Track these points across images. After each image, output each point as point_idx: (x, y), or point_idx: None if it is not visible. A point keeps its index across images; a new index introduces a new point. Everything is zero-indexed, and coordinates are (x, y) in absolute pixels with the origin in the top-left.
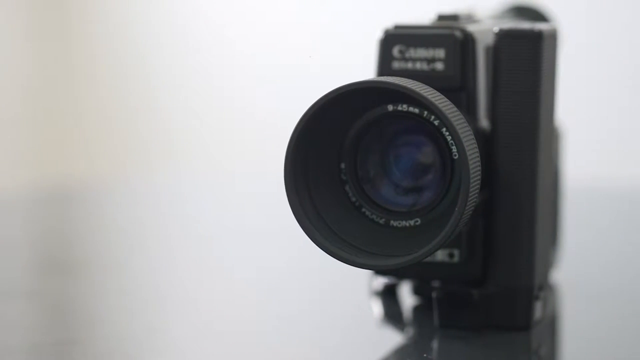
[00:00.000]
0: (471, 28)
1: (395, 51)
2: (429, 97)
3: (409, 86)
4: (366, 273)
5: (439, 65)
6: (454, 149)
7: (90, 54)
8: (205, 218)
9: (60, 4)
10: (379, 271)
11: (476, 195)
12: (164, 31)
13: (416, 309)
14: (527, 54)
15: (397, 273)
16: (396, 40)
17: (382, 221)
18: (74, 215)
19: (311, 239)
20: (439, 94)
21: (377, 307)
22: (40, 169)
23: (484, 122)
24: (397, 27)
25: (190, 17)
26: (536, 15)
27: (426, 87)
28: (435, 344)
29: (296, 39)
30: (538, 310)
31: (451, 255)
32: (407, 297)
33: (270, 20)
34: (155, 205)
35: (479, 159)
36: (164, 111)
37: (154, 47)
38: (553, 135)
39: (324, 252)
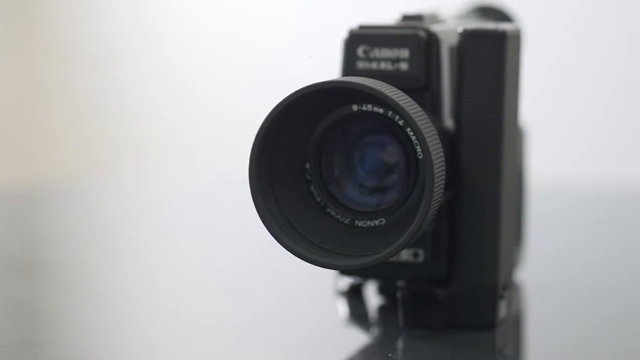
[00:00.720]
0: (435, 28)
1: (360, 51)
2: (393, 97)
3: (373, 86)
4: (331, 273)
5: (404, 66)
6: (419, 148)
7: (57, 52)
8: (171, 218)
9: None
10: (344, 271)
11: (440, 195)
12: (132, 29)
13: (381, 309)
14: (491, 54)
15: (362, 273)
16: (361, 41)
17: (347, 221)
18: (38, 216)
19: (276, 239)
20: (403, 94)
21: (342, 307)
22: (3, 169)
23: (448, 122)
24: (361, 27)
25: (158, 14)
26: (500, 15)
27: (390, 87)
28: (400, 344)
29: (263, 37)
30: (502, 309)
31: (416, 255)
32: (372, 297)
33: (238, 19)
34: (119, 206)
35: (443, 158)
36: (133, 110)
37: (122, 45)
38: (517, 135)
39: (289, 253)
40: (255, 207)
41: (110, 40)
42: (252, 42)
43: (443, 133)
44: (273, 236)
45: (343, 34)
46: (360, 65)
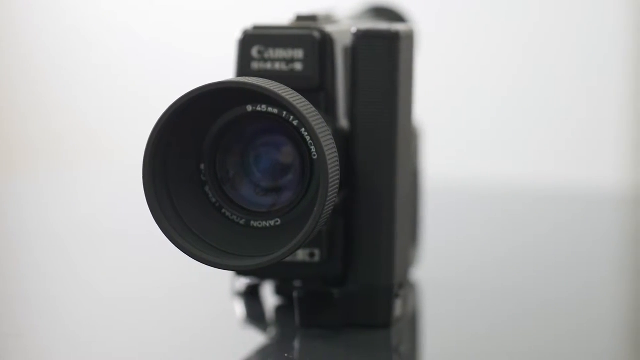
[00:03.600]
0: (329, 29)
1: (254, 52)
2: (288, 97)
3: (267, 87)
4: (228, 274)
5: (298, 66)
6: (313, 149)
7: None
8: (67, 219)
9: None
10: (241, 272)
11: (335, 194)
12: (49, 27)
13: (278, 309)
14: (384, 54)
15: (259, 273)
16: (255, 41)
17: (242, 222)
18: None
19: (171, 240)
20: (298, 94)
21: (239, 308)
22: None
23: (343, 122)
24: (255, 28)
25: (67, 13)
26: (394, 16)
27: (285, 87)
28: (296, 344)
29: (159, 38)
30: (398, 308)
31: (312, 255)
32: (269, 297)
33: (140, 18)
34: (18, 207)
35: (337, 158)
36: (48, 109)
37: (39, 43)
38: (412, 135)
39: (184, 254)
40: (150, 208)
41: (25, 36)
42: (151, 42)
43: (338, 133)
44: (168, 238)
45: (237, 34)
46: (255, 65)
